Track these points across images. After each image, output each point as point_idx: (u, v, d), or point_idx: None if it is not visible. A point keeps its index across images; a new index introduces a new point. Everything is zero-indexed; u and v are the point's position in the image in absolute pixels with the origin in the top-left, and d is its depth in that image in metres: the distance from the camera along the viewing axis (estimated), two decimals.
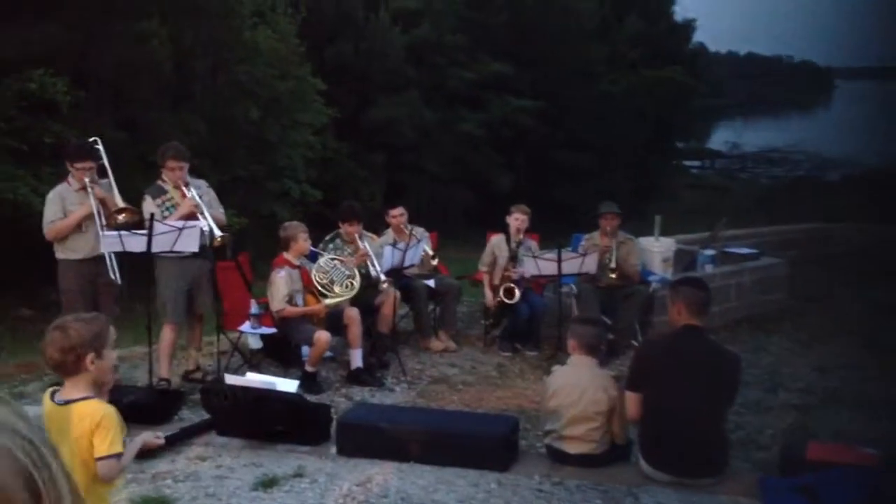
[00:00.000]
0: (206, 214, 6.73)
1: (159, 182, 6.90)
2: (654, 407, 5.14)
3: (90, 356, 3.14)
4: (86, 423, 3.12)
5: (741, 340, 8.32)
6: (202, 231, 6.68)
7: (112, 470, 3.14)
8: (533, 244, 8.51)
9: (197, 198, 6.76)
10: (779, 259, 10.10)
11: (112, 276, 6.58)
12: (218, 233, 6.73)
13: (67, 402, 3.15)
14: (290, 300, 7.06)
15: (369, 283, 7.64)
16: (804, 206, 18.19)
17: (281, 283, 7.03)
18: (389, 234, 8.33)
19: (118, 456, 3.16)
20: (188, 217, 6.70)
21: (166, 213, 6.74)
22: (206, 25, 12.44)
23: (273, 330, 7.20)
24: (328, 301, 7.22)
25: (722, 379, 5.11)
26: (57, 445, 2.96)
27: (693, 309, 5.11)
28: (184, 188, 6.79)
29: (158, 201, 6.78)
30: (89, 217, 6.53)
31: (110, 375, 3.30)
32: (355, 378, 7.22)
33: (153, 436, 3.38)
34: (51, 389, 3.30)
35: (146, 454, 5.35)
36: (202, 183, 7.06)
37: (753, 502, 4.86)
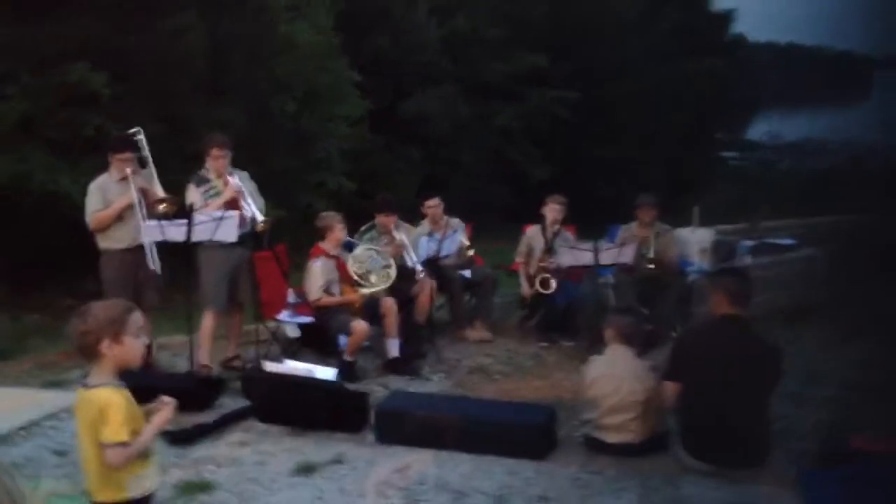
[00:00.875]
0: (249, 200, 6.82)
1: (202, 171, 7.00)
2: (693, 397, 5.12)
3: (106, 341, 3.16)
4: (94, 411, 3.14)
5: (779, 331, 8.22)
6: (244, 218, 6.77)
7: (116, 457, 3.12)
8: (569, 235, 8.49)
9: (240, 184, 6.85)
10: (818, 250, 9.98)
11: (151, 266, 6.68)
12: (260, 218, 6.83)
13: (87, 388, 3.19)
14: (327, 290, 7.11)
15: (405, 274, 7.66)
16: (843, 197, 17.94)
17: (317, 272, 7.08)
18: (425, 225, 8.35)
19: (122, 444, 3.13)
20: (231, 204, 6.78)
21: (209, 201, 6.83)
22: (243, 19, 12.49)
23: (310, 319, 7.25)
24: (364, 291, 7.26)
25: (762, 369, 5.07)
26: (83, 430, 2.95)
27: (734, 299, 5.08)
28: (227, 176, 6.88)
29: (202, 189, 6.89)
30: (130, 207, 6.62)
31: (132, 361, 3.28)
32: (392, 367, 7.25)
33: (165, 413, 3.35)
34: (86, 374, 3.34)
35: (184, 439, 5.43)
36: (244, 174, 7.15)
37: (792, 493, 4.83)
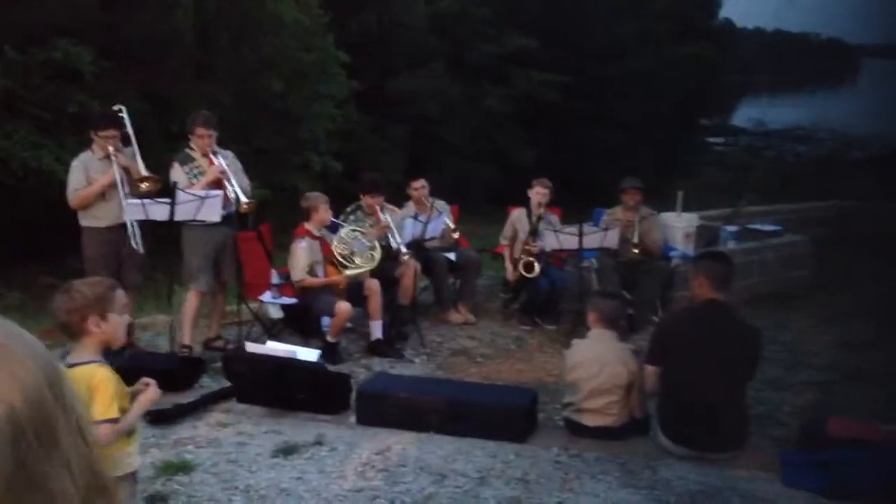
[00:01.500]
0: (233, 181, 6.79)
1: (187, 150, 6.96)
2: (673, 381, 5.15)
3: (93, 318, 3.17)
4: (82, 388, 3.14)
5: (763, 317, 8.25)
6: (228, 199, 6.74)
7: (106, 434, 3.11)
8: (555, 218, 8.49)
9: (224, 165, 6.81)
10: (802, 236, 10.03)
11: (134, 245, 6.64)
12: (244, 199, 6.79)
13: (72, 366, 3.19)
14: (311, 271, 7.09)
15: (390, 255, 7.66)
16: (828, 184, 18.02)
17: (301, 253, 7.06)
18: (410, 207, 8.33)
19: (113, 421, 3.15)
20: (214, 184, 6.75)
21: (194, 181, 6.79)
22: None
23: (294, 300, 7.24)
24: (349, 272, 7.24)
25: (742, 353, 5.10)
26: None
27: (715, 283, 5.09)
28: (211, 156, 6.84)
29: (186, 168, 6.85)
30: (113, 185, 6.57)
31: (117, 339, 3.31)
32: (375, 349, 7.25)
33: (150, 393, 3.38)
34: (65, 353, 3.34)
35: (164, 419, 5.42)
36: (229, 154, 7.11)
37: (772, 477, 4.86)
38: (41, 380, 0.94)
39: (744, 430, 5.17)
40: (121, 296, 3.30)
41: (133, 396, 3.34)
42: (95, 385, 3.14)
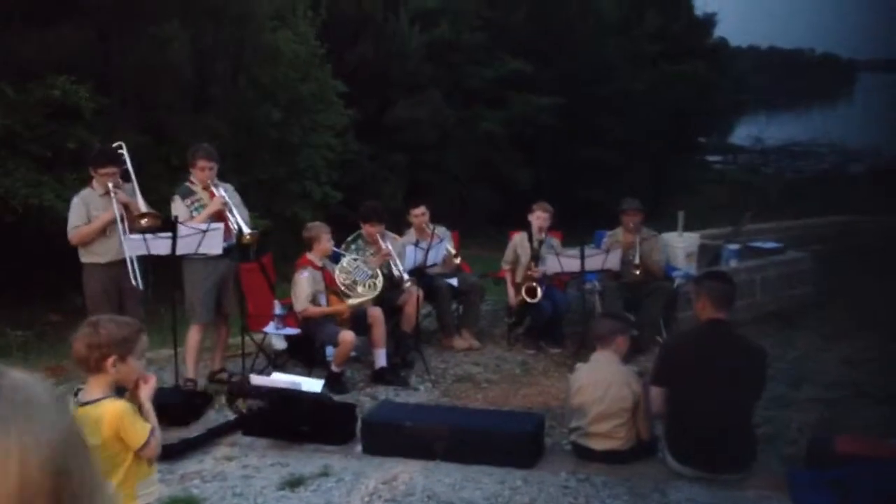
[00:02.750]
0: (235, 213, 6.79)
1: (188, 183, 6.96)
2: (680, 402, 5.13)
3: (112, 358, 3.17)
4: (108, 425, 3.16)
5: (766, 335, 8.26)
6: (230, 230, 6.74)
7: (157, 445, 3.31)
8: (556, 242, 8.49)
9: (226, 196, 6.82)
10: (804, 253, 10.03)
11: (133, 281, 6.61)
12: (247, 230, 6.79)
13: (87, 403, 3.20)
14: (314, 300, 7.09)
15: (392, 283, 7.65)
16: (828, 199, 18.05)
17: (304, 283, 7.06)
18: (412, 234, 8.33)
19: (152, 431, 3.28)
20: (216, 216, 6.75)
21: (195, 213, 6.79)
22: (227, 28, 12.47)
23: (297, 331, 7.23)
24: (351, 301, 7.24)
25: (748, 373, 5.09)
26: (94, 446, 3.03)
27: (718, 303, 5.09)
28: (213, 188, 6.85)
29: (188, 202, 6.85)
30: (113, 222, 6.58)
31: (130, 382, 3.34)
32: (380, 377, 7.23)
33: (149, 387, 3.42)
34: (76, 389, 3.35)
35: (170, 454, 5.40)
36: (228, 186, 7.12)
37: (781, 497, 4.84)
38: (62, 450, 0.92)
39: (752, 450, 5.15)
40: (144, 341, 3.32)
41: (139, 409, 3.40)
42: (121, 419, 3.18)
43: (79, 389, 3.31)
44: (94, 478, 0.96)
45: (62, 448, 0.91)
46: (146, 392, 3.38)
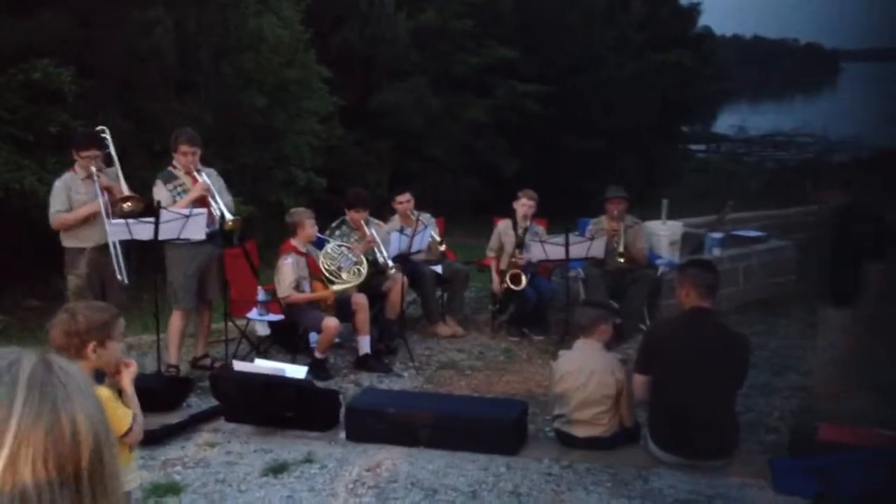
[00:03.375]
0: (217, 198, 6.75)
1: (171, 168, 6.92)
2: (662, 389, 5.15)
3: (92, 344, 3.15)
4: None
5: (750, 323, 8.30)
6: (213, 216, 6.70)
7: (140, 431, 3.34)
8: (540, 229, 8.49)
9: (208, 182, 6.78)
10: (787, 242, 10.07)
11: (115, 266, 6.55)
12: (229, 216, 6.76)
13: None
14: (297, 287, 7.06)
15: (377, 270, 7.64)
16: (811, 188, 18.10)
17: (287, 269, 7.03)
18: (396, 221, 8.31)
19: (135, 417, 3.29)
20: (198, 202, 6.71)
21: (177, 199, 6.75)
22: (211, 13, 12.38)
23: (280, 317, 7.21)
24: (336, 287, 7.22)
25: (730, 361, 5.11)
26: None
27: (701, 291, 5.11)
28: (195, 173, 6.81)
29: (170, 186, 6.81)
30: (97, 211, 6.52)
31: (111, 366, 3.32)
32: (363, 364, 7.23)
33: (130, 371, 3.41)
34: None
35: (152, 440, 5.37)
36: (212, 171, 7.08)
37: (763, 484, 4.86)
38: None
39: (734, 438, 5.17)
40: (121, 323, 3.30)
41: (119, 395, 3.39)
42: (104, 404, 3.14)
43: None
44: (115, 456, 1.09)
45: (102, 424, 1.06)
46: (127, 377, 3.36)
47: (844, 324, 5.55)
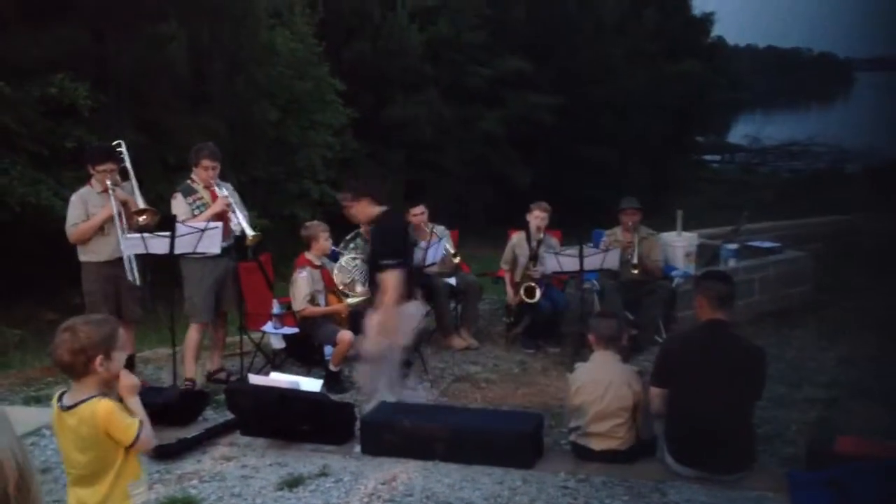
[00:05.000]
0: (238, 213, 6.78)
1: (189, 181, 6.94)
2: (679, 402, 5.12)
3: (99, 358, 3.14)
4: (98, 424, 3.14)
5: (765, 335, 8.26)
6: (228, 230, 6.72)
7: (150, 438, 3.30)
8: (554, 241, 8.48)
9: (229, 196, 6.81)
10: (802, 252, 10.02)
11: (130, 279, 6.61)
12: (250, 232, 6.78)
13: (75, 405, 3.17)
14: (312, 300, 7.07)
15: None
16: (826, 198, 18.04)
17: (303, 283, 7.04)
18: (410, 233, 8.30)
19: (140, 424, 3.24)
20: (218, 216, 6.73)
21: (196, 212, 6.77)
22: (224, 27, 12.46)
23: (295, 330, 7.21)
24: (350, 301, 7.22)
25: (747, 373, 5.07)
26: (68, 449, 3.05)
27: (717, 303, 5.08)
28: (215, 188, 6.83)
29: (189, 200, 6.83)
30: (111, 219, 6.56)
31: (116, 377, 3.31)
32: None
33: (129, 380, 3.39)
34: (59, 393, 3.30)
35: (168, 454, 5.38)
36: (228, 185, 7.11)
37: (780, 497, 4.82)
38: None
39: (751, 450, 5.14)
40: (122, 334, 3.29)
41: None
42: (104, 418, 3.14)
43: (63, 393, 3.28)
44: (39, 483, 1.14)
45: (23, 454, 1.08)
46: (124, 388, 3.34)
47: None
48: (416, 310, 6.55)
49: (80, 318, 3.29)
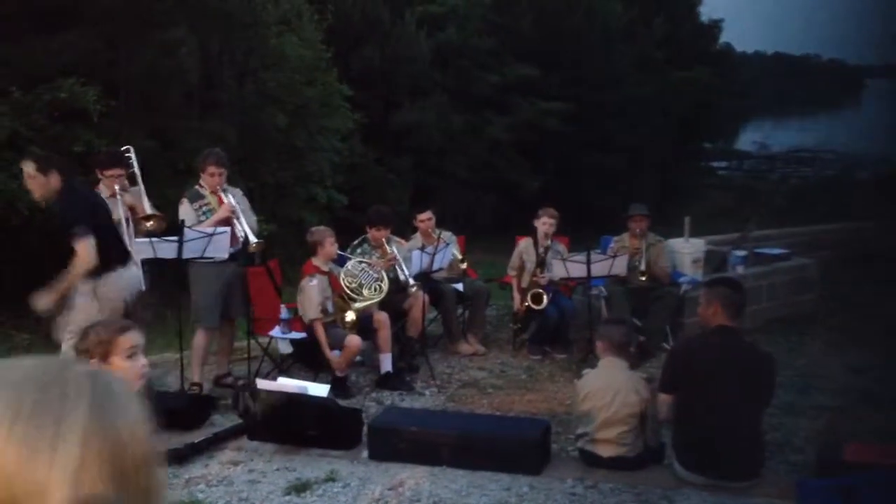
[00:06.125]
0: (242, 221, 6.79)
1: (197, 187, 6.96)
2: (687, 409, 5.10)
3: (94, 361, 3.14)
4: None
5: (773, 342, 8.23)
6: (235, 236, 6.74)
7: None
8: (562, 247, 8.47)
9: (234, 203, 6.82)
10: (810, 259, 9.99)
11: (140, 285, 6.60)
12: (253, 239, 6.79)
13: None
14: (323, 308, 7.07)
15: (398, 288, 7.64)
16: (834, 205, 17.99)
17: (313, 291, 7.02)
18: (418, 239, 8.32)
19: None
20: (223, 222, 6.74)
21: (203, 218, 6.79)
22: (233, 33, 12.49)
23: (303, 335, 7.22)
24: (357, 305, 7.22)
25: (757, 380, 5.06)
26: None
27: (729, 310, 5.07)
28: (221, 194, 6.85)
29: (196, 205, 6.85)
30: (118, 224, 6.57)
31: None
32: (385, 382, 7.21)
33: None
34: None
35: (176, 459, 5.38)
36: (237, 191, 7.13)
37: None
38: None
39: (760, 458, 5.12)
40: (128, 338, 3.27)
41: None
42: None
43: None
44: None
45: (150, 433, 1.03)
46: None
47: None
48: (132, 273, 6.12)
49: (102, 320, 3.31)
